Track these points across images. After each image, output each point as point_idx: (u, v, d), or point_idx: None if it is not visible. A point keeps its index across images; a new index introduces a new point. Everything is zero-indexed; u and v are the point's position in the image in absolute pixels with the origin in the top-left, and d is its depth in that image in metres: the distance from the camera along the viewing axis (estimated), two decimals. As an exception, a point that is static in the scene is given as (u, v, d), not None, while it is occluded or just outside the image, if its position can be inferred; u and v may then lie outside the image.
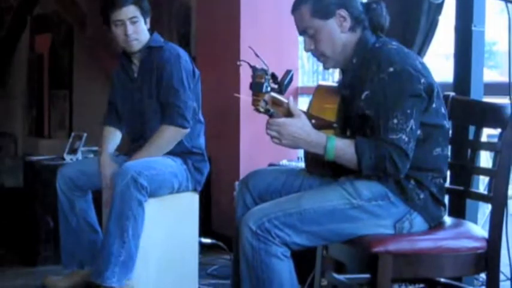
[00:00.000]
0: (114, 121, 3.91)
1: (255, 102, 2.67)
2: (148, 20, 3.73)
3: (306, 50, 2.70)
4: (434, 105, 2.55)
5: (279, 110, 2.71)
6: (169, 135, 3.65)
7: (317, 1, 2.61)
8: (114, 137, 3.88)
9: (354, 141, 2.51)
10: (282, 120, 2.54)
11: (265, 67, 2.68)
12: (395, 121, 2.46)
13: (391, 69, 2.49)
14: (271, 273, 2.49)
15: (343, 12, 2.61)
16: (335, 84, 2.78)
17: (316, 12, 2.61)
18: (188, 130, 3.67)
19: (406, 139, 2.45)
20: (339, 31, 2.62)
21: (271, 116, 2.67)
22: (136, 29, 3.67)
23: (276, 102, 2.69)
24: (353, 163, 2.51)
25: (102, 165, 3.66)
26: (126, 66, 3.82)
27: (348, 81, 2.68)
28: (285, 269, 2.51)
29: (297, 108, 2.59)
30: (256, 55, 2.71)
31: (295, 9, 2.67)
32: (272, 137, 2.57)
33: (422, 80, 2.49)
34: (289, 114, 2.65)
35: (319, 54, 2.69)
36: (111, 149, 3.81)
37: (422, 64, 2.57)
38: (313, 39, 2.65)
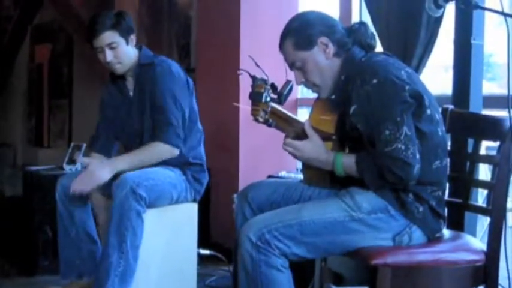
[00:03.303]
0: (101, 147, 3.86)
1: (254, 112, 2.69)
2: (132, 38, 3.68)
3: (298, 83, 2.76)
4: (428, 112, 2.56)
5: (278, 121, 2.72)
6: (161, 152, 3.62)
7: (297, 34, 2.68)
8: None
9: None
10: (296, 143, 2.64)
11: (265, 77, 2.70)
12: (387, 132, 2.47)
13: (375, 80, 2.51)
14: (271, 285, 2.50)
15: (324, 39, 2.66)
16: (334, 97, 2.79)
17: (299, 44, 2.67)
18: (178, 151, 3.64)
19: (403, 147, 2.46)
20: (324, 58, 2.67)
21: (269, 126, 2.70)
22: (117, 54, 3.63)
23: (275, 113, 2.70)
24: (360, 177, 2.56)
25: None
26: (121, 85, 3.80)
27: (338, 97, 2.71)
28: (284, 281, 2.52)
29: (311, 129, 2.65)
30: (257, 65, 2.73)
31: (280, 47, 2.74)
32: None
33: (407, 87, 2.50)
34: (289, 125, 2.69)
35: (311, 85, 2.74)
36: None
37: (410, 73, 2.58)
38: (302, 71, 2.71)
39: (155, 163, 3.64)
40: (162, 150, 3.62)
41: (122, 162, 3.60)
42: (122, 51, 3.64)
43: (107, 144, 3.88)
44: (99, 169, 3.55)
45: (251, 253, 2.51)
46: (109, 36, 3.60)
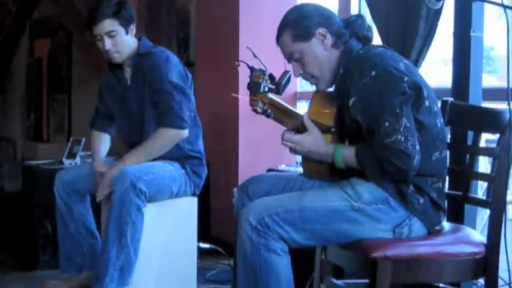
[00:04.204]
0: (101, 125, 3.91)
1: (252, 102, 2.70)
2: (132, 28, 3.69)
3: (296, 75, 2.75)
4: (427, 104, 2.56)
5: (277, 113, 2.72)
6: (168, 137, 3.62)
7: (295, 26, 2.68)
8: (104, 141, 3.88)
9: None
10: (296, 137, 2.65)
11: (263, 67, 2.69)
12: (386, 124, 2.47)
13: (374, 72, 2.51)
14: (269, 268, 2.50)
15: (322, 30, 2.67)
16: (332, 90, 2.79)
17: (297, 36, 2.68)
18: (187, 131, 3.65)
19: (402, 138, 2.46)
20: (322, 49, 2.67)
21: (268, 116, 2.70)
22: (116, 42, 3.64)
23: (274, 104, 2.70)
24: (360, 169, 2.56)
25: (97, 171, 3.66)
26: (119, 75, 3.80)
27: (337, 90, 2.71)
28: (282, 265, 2.52)
29: (310, 122, 2.65)
30: (254, 55, 2.73)
31: (278, 39, 2.74)
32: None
33: (406, 79, 2.51)
34: (288, 117, 2.69)
35: (309, 77, 2.74)
36: (103, 153, 3.80)
37: (407, 65, 2.58)
38: (300, 63, 2.71)
39: (168, 149, 3.64)
40: (169, 135, 3.62)
41: (133, 158, 3.60)
42: (121, 40, 3.64)
43: (107, 123, 3.92)
44: (112, 173, 3.56)
45: (251, 236, 2.50)
46: (109, 24, 3.61)
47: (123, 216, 3.40)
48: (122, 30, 3.64)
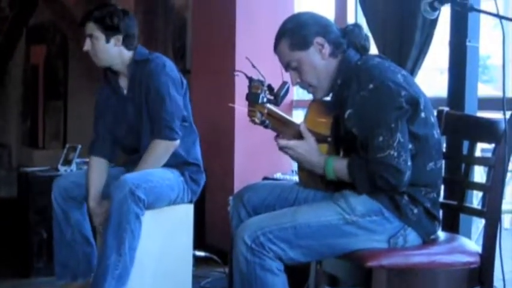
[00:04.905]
0: (101, 149, 3.82)
1: (250, 113, 2.69)
2: (119, 37, 3.67)
3: (293, 84, 2.75)
4: (423, 116, 2.56)
5: (274, 123, 2.72)
6: (161, 149, 3.62)
7: (293, 34, 2.68)
8: (102, 170, 3.78)
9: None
10: (292, 143, 2.66)
11: (261, 78, 2.69)
12: (380, 139, 2.47)
13: (371, 85, 2.51)
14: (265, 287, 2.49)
15: (320, 39, 2.67)
16: (329, 99, 2.80)
17: (294, 44, 2.68)
18: (178, 141, 3.65)
19: (395, 154, 2.46)
20: (319, 58, 2.67)
21: (266, 127, 2.70)
22: (94, 47, 3.66)
23: (271, 115, 2.70)
24: (351, 182, 2.56)
25: (92, 210, 3.67)
26: (114, 85, 3.80)
27: (334, 101, 2.71)
28: (279, 283, 2.52)
29: (307, 131, 2.66)
30: (253, 66, 2.73)
31: (275, 47, 2.74)
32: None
33: (403, 93, 2.51)
34: (286, 127, 2.69)
35: (307, 86, 2.74)
36: (99, 187, 3.72)
37: (405, 76, 2.59)
38: (297, 72, 2.71)
39: (165, 160, 3.64)
40: (160, 147, 3.62)
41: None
42: (99, 46, 3.66)
43: (108, 146, 3.85)
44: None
45: (246, 256, 2.50)
46: (90, 27, 3.66)
47: (122, 223, 3.38)
48: (102, 37, 3.65)
